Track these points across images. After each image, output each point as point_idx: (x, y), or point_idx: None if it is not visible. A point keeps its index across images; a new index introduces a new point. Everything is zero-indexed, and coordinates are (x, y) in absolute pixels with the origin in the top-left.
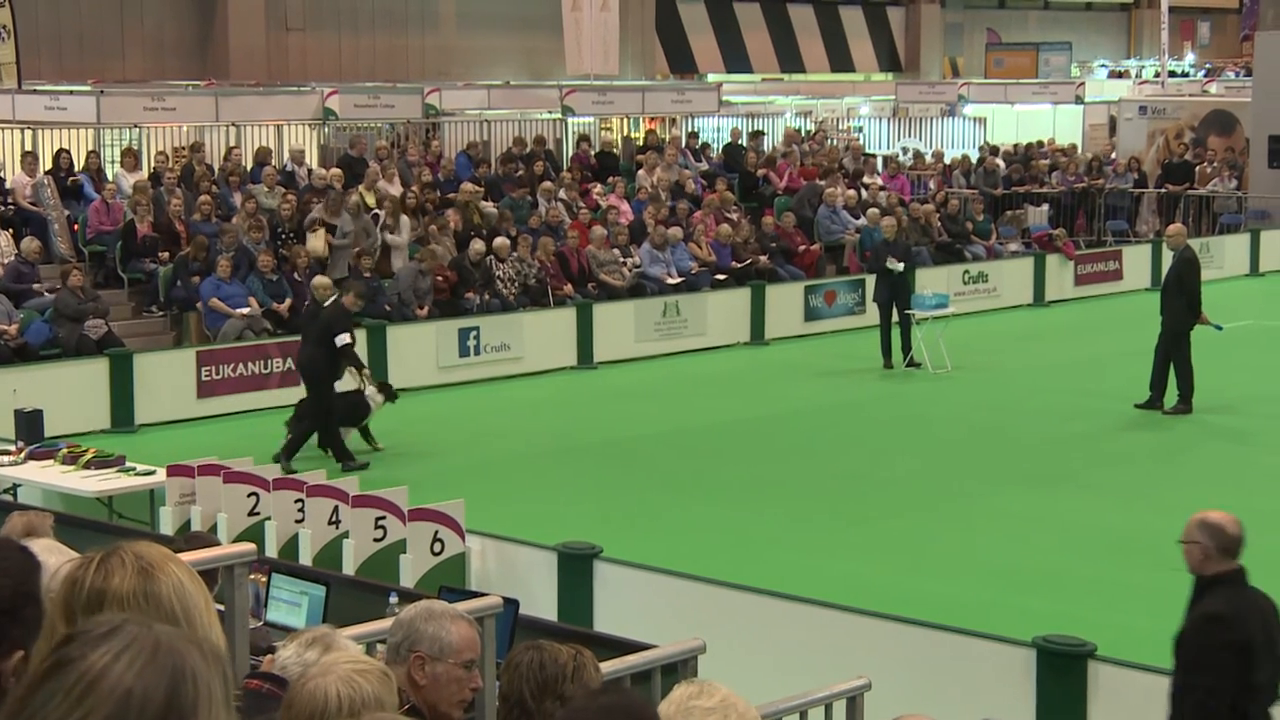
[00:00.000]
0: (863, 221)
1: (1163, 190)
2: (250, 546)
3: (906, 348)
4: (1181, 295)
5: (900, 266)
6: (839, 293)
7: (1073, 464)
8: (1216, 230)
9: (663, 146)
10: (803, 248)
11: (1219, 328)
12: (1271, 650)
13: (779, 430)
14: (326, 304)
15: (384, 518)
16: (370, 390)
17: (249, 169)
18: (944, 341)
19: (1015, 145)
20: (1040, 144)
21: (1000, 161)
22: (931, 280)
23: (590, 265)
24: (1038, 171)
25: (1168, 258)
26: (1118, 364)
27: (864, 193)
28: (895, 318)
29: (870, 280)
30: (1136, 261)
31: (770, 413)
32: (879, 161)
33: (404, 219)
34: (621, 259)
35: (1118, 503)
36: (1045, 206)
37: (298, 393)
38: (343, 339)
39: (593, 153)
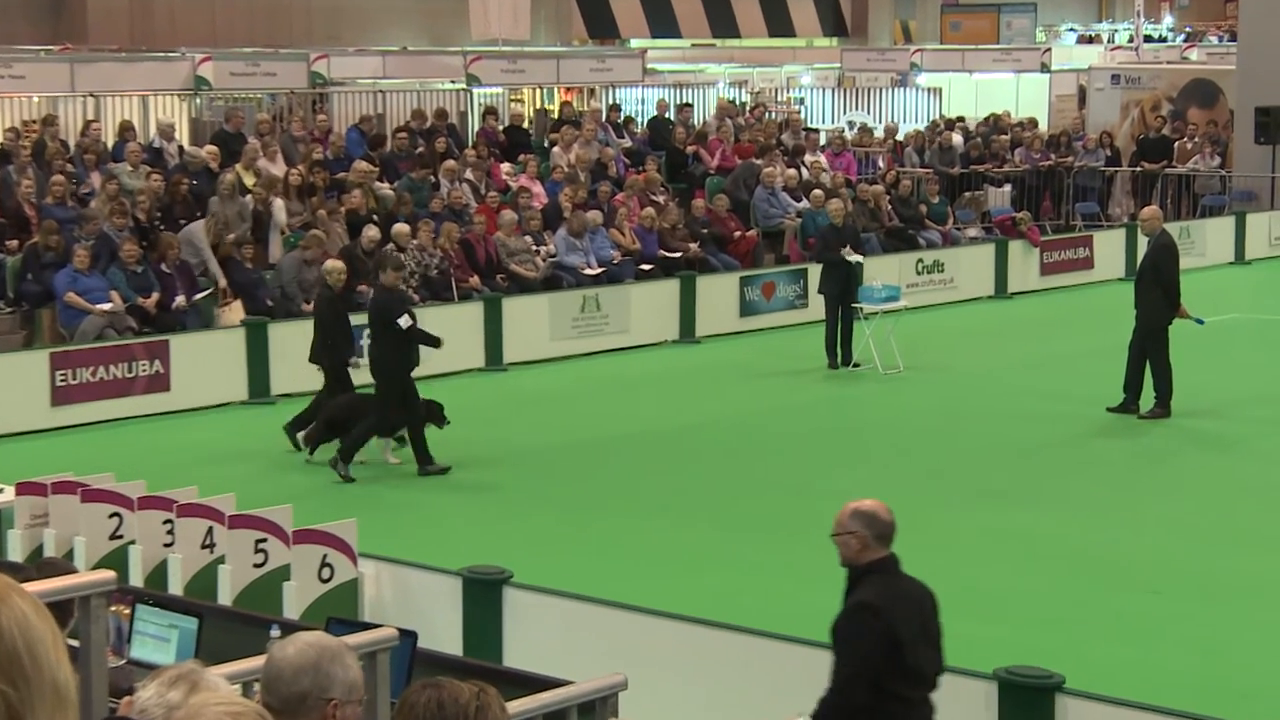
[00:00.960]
0: (804, 205)
1: (1138, 169)
2: (110, 574)
3: (849, 346)
4: (1158, 286)
5: (859, 258)
6: (778, 284)
7: (1038, 475)
8: (1197, 213)
9: (580, 121)
10: (738, 234)
11: (1200, 322)
12: (927, 638)
13: (711, 439)
14: (372, 291)
15: (265, 540)
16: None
17: (110, 146)
18: (895, 339)
19: (987, 118)
20: (995, 118)
21: (957, 137)
22: (881, 270)
23: (499, 254)
24: (999, 148)
25: (1143, 244)
26: (1088, 363)
27: (806, 172)
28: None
29: (815, 270)
30: (1109, 248)
31: (702, 419)
32: (822, 137)
33: (278, 202)
34: (534, 247)
35: (1088, 518)
36: (1007, 187)
37: (162, 400)
38: (404, 321)
39: (501, 128)
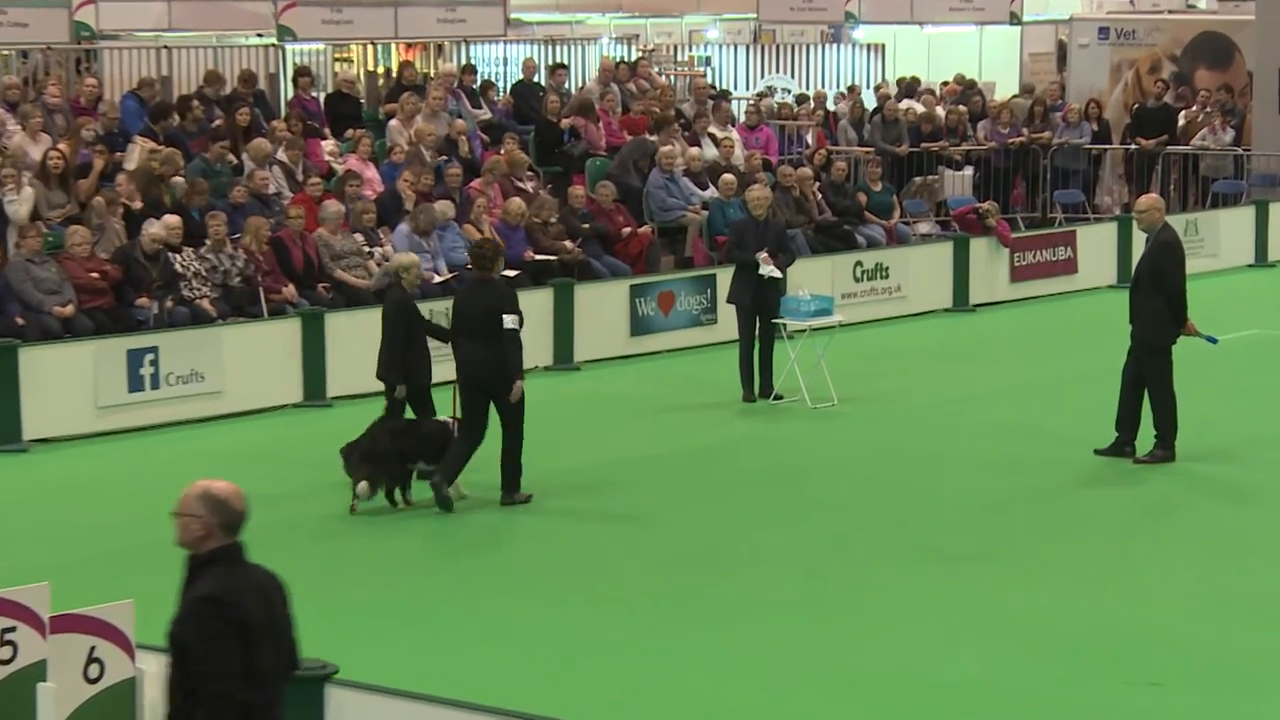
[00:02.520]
0: (712, 193)
1: (1132, 147)
2: None
3: (769, 373)
4: (1159, 295)
5: (778, 272)
6: (679, 295)
7: (1007, 535)
8: (1207, 203)
9: (425, 86)
10: (627, 231)
11: (1212, 340)
12: (275, 633)
13: (591, 493)
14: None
15: (13, 629)
16: (454, 427)
17: None
18: (827, 363)
19: (944, 83)
20: (960, 83)
21: (917, 107)
22: (810, 276)
23: (321, 257)
24: (957, 122)
25: (1140, 243)
26: (1071, 393)
27: (714, 152)
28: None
29: (725, 276)
30: (1096, 247)
31: (580, 465)
32: (735, 107)
33: (26, 189)
34: (367, 248)
35: (1070, 589)
36: (968, 171)
37: None
38: (511, 320)
39: (323, 95)
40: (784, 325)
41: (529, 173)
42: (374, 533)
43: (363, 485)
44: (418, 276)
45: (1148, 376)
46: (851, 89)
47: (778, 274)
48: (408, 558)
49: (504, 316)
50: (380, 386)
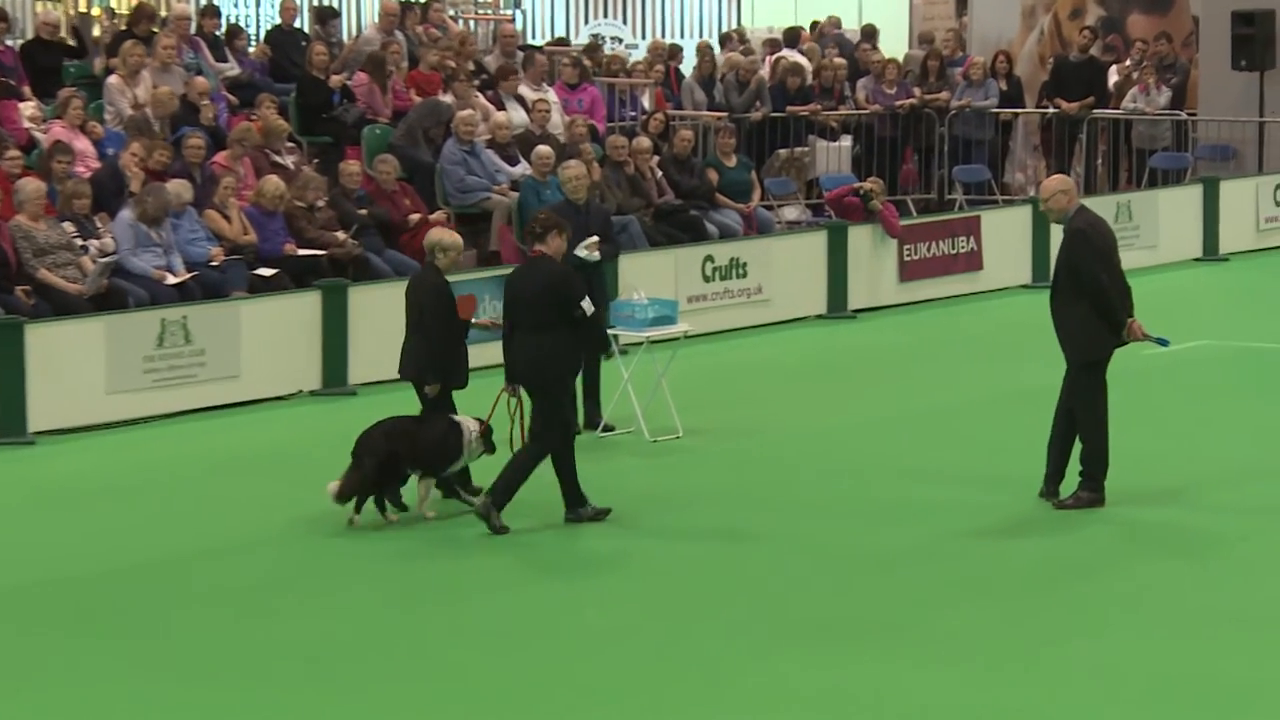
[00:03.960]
0: (524, 169)
1: (1050, 111)
2: None
3: (596, 398)
4: (1081, 298)
5: (597, 255)
6: (484, 299)
7: (896, 603)
8: (1143, 180)
9: (155, 35)
10: (415, 218)
11: (1163, 342)
12: None
13: (359, 551)
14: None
15: None
16: (473, 430)
17: None
18: (669, 385)
19: (814, 29)
20: (835, 31)
21: (788, 58)
22: (648, 275)
23: (18, 253)
24: (831, 79)
25: (1059, 232)
26: (975, 422)
27: (525, 118)
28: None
29: None
30: (1006, 238)
31: (331, 518)
32: (550, 63)
33: None
34: (80, 241)
35: (976, 670)
36: (846, 141)
37: None
38: (588, 306)
39: (18, 43)
40: (614, 337)
41: (289, 144)
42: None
43: (331, 485)
44: (458, 258)
45: (1075, 399)
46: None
47: (596, 256)
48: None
49: (581, 305)
50: None
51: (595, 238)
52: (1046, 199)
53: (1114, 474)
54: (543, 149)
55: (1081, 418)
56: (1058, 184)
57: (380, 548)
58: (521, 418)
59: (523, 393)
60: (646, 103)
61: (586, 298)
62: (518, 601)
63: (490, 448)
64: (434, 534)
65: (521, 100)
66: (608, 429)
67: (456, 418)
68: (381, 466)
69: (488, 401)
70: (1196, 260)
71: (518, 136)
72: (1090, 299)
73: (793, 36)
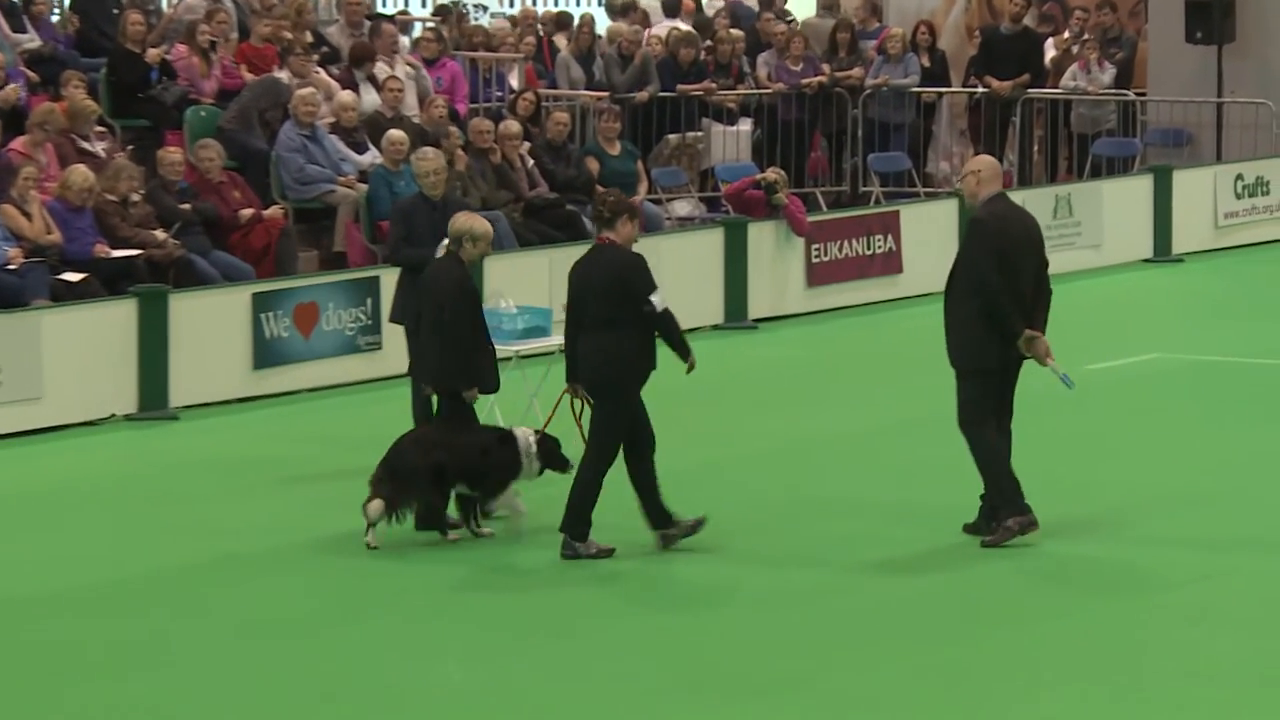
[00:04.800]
0: (373, 158)
1: (978, 90)
2: None
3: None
4: (973, 295)
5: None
6: (326, 307)
7: (803, 653)
8: (1086, 170)
9: None
10: (248, 214)
11: (1067, 382)
12: None
13: (180, 614)
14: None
15: None
16: (530, 440)
17: None
18: (541, 405)
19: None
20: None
21: (659, 31)
22: (518, 279)
23: None
24: (728, 53)
25: None
26: (891, 448)
27: (375, 99)
28: None
29: (391, 281)
30: (929, 236)
31: (171, 568)
32: (401, 32)
33: None
34: None
35: None
36: (746, 125)
37: None
38: (659, 300)
39: None
40: None
41: (99, 128)
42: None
43: (374, 505)
44: (488, 249)
45: (959, 414)
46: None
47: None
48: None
49: (650, 298)
50: None
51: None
52: (968, 174)
53: (1049, 503)
54: (395, 134)
55: (968, 440)
56: (972, 164)
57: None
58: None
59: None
60: (515, 81)
61: (658, 291)
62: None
63: (561, 463)
64: (483, 557)
65: (371, 79)
66: None
67: (508, 427)
68: (430, 478)
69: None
70: (1146, 261)
71: (367, 120)
72: (980, 299)
73: (673, 4)
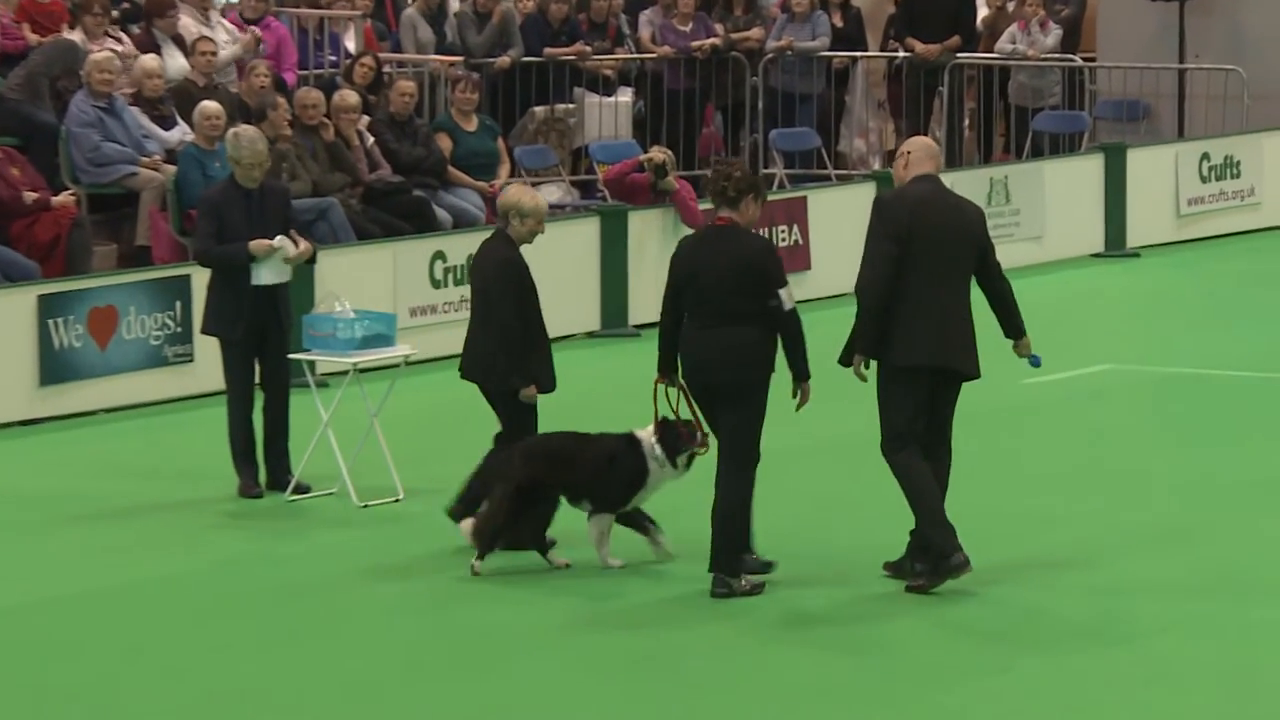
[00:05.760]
0: (183, 135)
1: (899, 55)
2: None
3: (282, 447)
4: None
5: (282, 273)
6: (126, 313)
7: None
8: (1026, 148)
9: None
10: (33, 199)
11: (1035, 363)
12: None
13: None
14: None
15: None
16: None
17: None
18: (383, 429)
19: None
20: None
21: None
22: (357, 279)
23: None
24: (605, 12)
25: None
26: (793, 475)
27: (183, 63)
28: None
29: (202, 282)
30: (841, 226)
31: None
32: None
33: None
34: None
35: None
36: (627, 95)
37: None
38: (787, 297)
39: None
40: (308, 364)
41: None
42: None
43: (466, 524)
44: (539, 226)
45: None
46: None
47: (285, 275)
48: None
49: (779, 292)
50: None
51: (280, 239)
52: (903, 153)
53: (983, 540)
54: (209, 106)
55: (890, 467)
56: (905, 145)
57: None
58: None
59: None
60: (351, 44)
61: (788, 285)
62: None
63: (689, 438)
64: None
65: (178, 41)
66: (301, 489)
67: (629, 431)
68: (518, 495)
69: None
70: (1096, 256)
71: (175, 90)
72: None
73: None
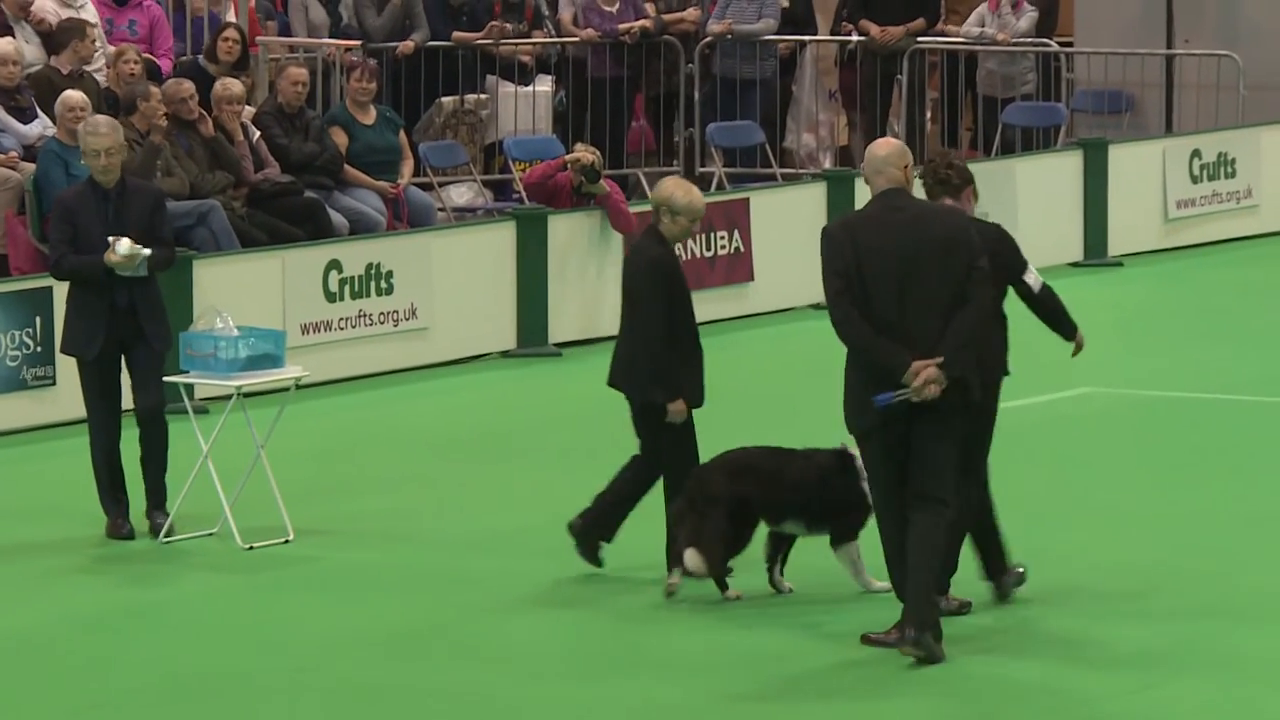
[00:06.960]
0: (44, 128)
1: (853, 40)
2: None
3: (159, 478)
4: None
5: (143, 271)
6: None
7: None
8: (996, 144)
9: None
10: None
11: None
12: None
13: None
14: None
15: None
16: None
17: None
18: (269, 460)
19: None
20: None
21: None
22: (238, 290)
23: None
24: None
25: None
26: None
27: (37, 50)
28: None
29: (64, 295)
30: (788, 233)
31: None
32: None
33: None
34: None
35: None
36: (547, 85)
37: None
38: (1034, 278)
39: None
40: (186, 388)
41: None
42: None
43: (691, 556)
44: (691, 225)
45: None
46: None
47: (142, 270)
48: None
49: (1026, 275)
50: None
51: (127, 240)
52: (870, 157)
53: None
54: (73, 96)
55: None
56: (887, 148)
57: None
58: None
59: None
60: (232, 22)
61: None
62: None
63: None
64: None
65: (29, 18)
66: (174, 532)
67: (841, 446)
68: (730, 516)
69: None
70: (1074, 266)
71: (31, 78)
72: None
73: None
